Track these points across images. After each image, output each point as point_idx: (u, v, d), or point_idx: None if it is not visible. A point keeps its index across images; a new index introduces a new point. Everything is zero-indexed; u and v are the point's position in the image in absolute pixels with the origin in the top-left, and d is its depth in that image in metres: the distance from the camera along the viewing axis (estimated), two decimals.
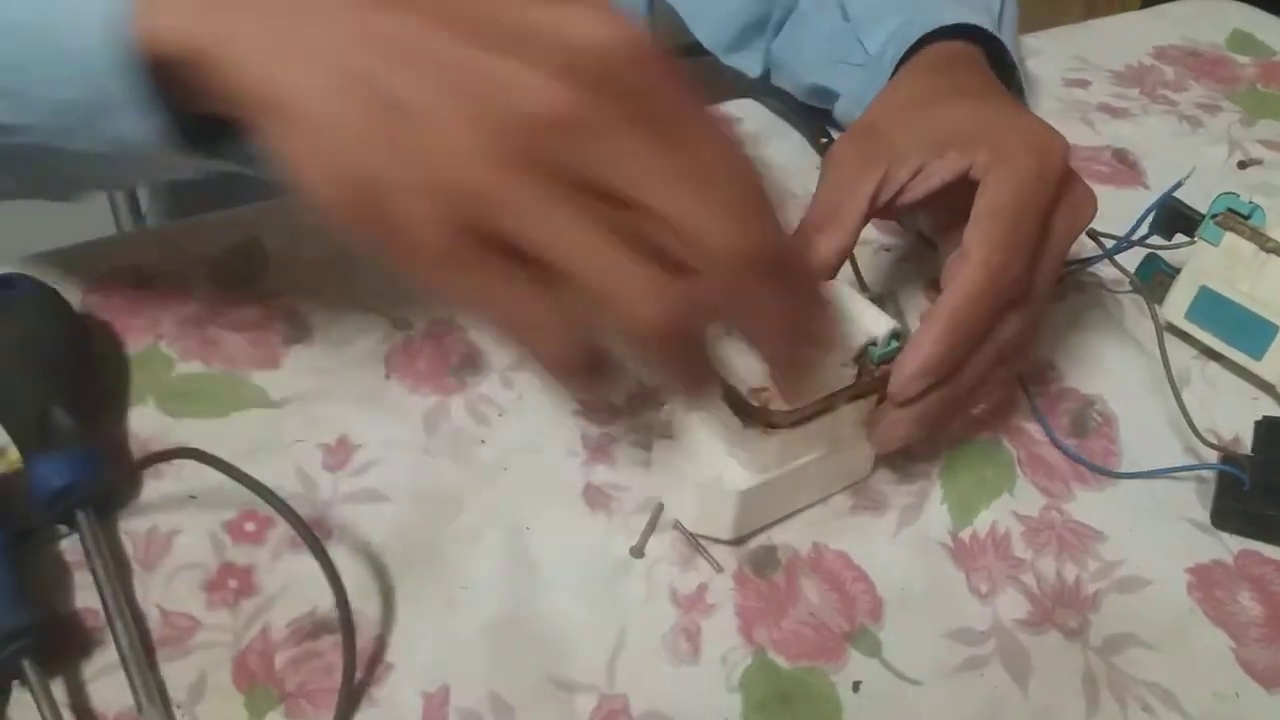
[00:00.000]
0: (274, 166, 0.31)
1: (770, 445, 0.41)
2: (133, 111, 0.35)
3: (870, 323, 0.41)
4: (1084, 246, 0.57)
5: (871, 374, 0.42)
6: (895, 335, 0.42)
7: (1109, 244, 0.54)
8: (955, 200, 0.45)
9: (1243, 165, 0.67)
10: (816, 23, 0.66)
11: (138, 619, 0.40)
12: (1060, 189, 0.45)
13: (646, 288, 0.30)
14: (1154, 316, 0.50)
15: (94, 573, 0.40)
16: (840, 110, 0.65)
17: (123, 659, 0.38)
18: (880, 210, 0.46)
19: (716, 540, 0.44)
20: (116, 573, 0.40)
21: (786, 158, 0.65)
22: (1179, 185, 0.52)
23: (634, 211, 0.30)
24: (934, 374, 0.42)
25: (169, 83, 0.34)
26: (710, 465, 0.42)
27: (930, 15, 0.57)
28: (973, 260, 0.42)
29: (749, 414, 0.41)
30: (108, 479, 0.43)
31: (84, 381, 0.45)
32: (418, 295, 0.51)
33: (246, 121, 0.32)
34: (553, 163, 0.29)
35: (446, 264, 0.30)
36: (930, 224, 0.54)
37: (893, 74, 0.57)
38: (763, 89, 0.71)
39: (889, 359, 0.42)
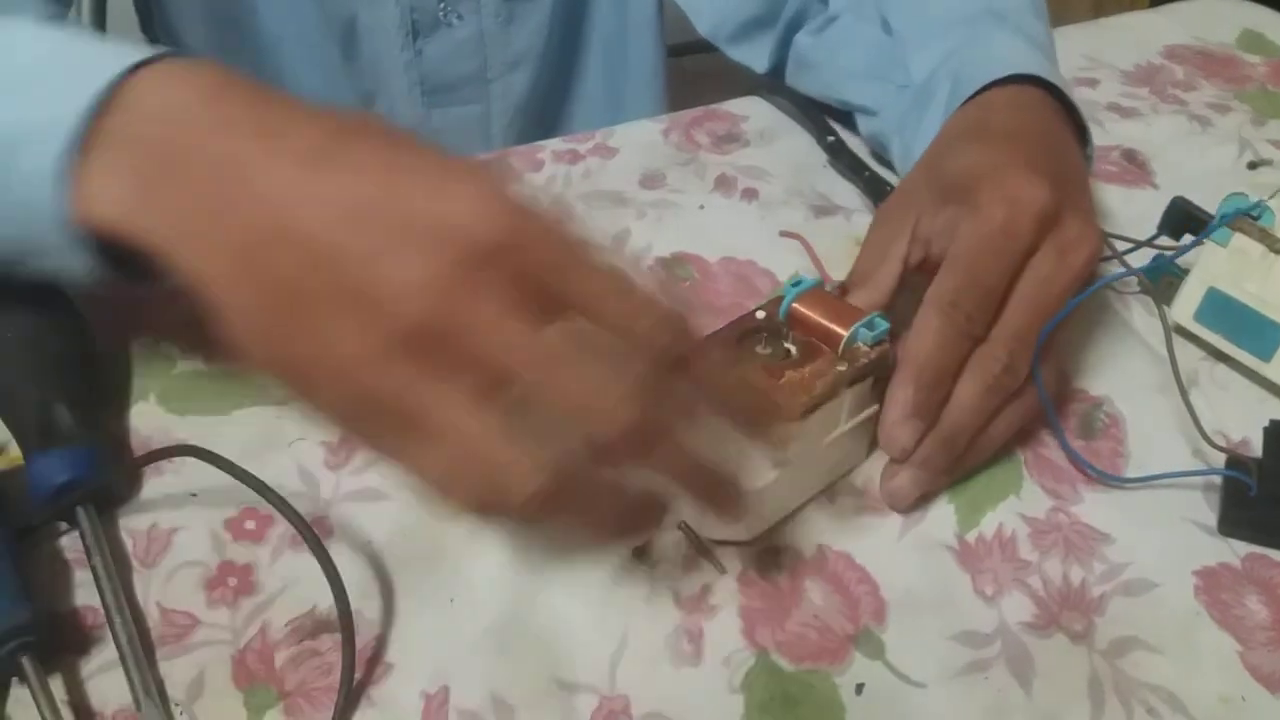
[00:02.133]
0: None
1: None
2: (68, 255, 0.38)
3: None
4: None
5: (867, 356, 0.43)
6: (884, 319, 0.44)
7: (1118, 245, 0.54)
8: None
9: (1252, 166, 0.66)
10: (855, 31, 0.65)
11: (137, 616, 0.40)
12: (1038, 235, 0.45)
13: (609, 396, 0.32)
14: (1162, 318, 0.50)
15: (94, 570, 0.40)
16: (871, 128, 0.63)
17: (122, 656, 0.38)
18: (922, 265, 0.47)
19: (729, 542, 0.43)
20: (116, 570, 0.40)
21: (793, 157, 0.65)
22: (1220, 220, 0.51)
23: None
24: (915, 415, 0.43)
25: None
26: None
27: (980, 48, 0.56)
28: (925, 307, 0.44)
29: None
30: (108, 476, 0.43)
31: (85, 378, 0.45)
32: None
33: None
34: (437, 358, 0.31)
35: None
36: None
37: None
38: (770, 86, 0.70)
39: (881, 342, 0.43)
